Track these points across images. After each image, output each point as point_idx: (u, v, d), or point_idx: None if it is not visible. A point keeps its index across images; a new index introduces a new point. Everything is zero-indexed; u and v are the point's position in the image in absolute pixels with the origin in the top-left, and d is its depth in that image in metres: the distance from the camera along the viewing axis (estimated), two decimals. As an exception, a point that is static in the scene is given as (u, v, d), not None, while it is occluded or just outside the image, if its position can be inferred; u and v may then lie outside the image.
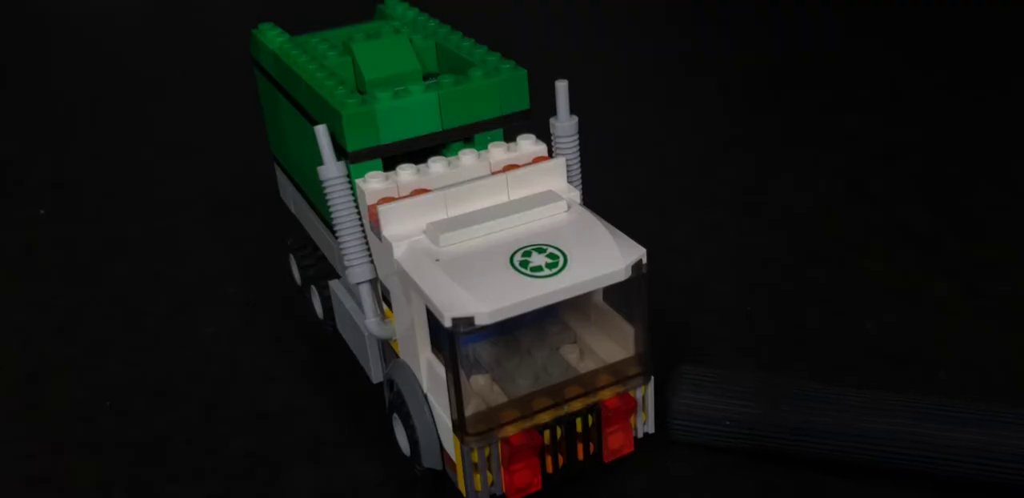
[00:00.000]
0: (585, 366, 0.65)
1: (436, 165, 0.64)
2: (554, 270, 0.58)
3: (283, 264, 0.92)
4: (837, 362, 0.80)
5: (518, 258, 0.59)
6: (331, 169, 0.64)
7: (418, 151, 0.67)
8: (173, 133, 1.32)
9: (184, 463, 0.72)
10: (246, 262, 0.98)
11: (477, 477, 0.62)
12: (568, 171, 0.67)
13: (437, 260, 0.60)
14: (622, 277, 0.59)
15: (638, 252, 0.60)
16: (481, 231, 0.61)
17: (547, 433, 0.62)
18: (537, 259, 0.59)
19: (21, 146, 1.31)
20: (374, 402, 0.76)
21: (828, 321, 0.85)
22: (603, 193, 1.10)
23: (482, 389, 0.63)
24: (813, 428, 0.66)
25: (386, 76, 0.72)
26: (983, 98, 1.32)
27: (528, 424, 0.61)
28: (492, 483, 0.62)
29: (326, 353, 0.84)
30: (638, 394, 0.65)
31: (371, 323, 0.68)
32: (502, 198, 0.64)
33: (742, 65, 1.50)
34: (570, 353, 0.66)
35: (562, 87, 0.66)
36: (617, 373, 0.64)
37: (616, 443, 0.65)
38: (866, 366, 0.79)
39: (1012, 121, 1.24)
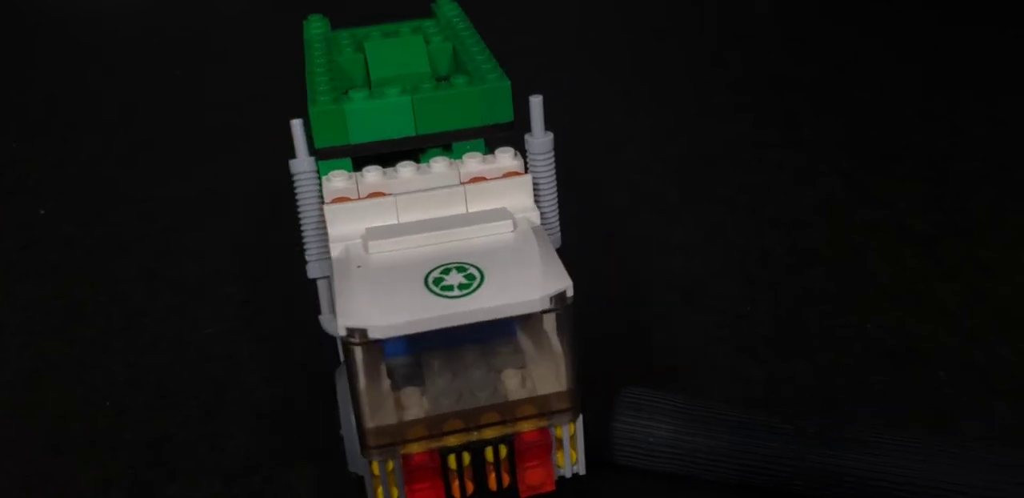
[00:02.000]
0: (517, 394, 0.61)
1: (404, 170, 0.63)
2: (464, 292, 0.56)
3: (283, 264, 0.92)
4: (837, 362, 0.80)
5: (435, 275, 0.57)
6: (301, 164, 0.65)
7: (395, 154, 0.66)
8: (173, 133, 1.32)
9: (184, 463, 0.72)
10: (246, 262, 0.98)
11: (379, 489, 0.61)
12: (540, 190, 0.65)
13: (359, 266, 0.59)
14: (537, 308, 0.56)
15: (562, 284, 0.57)
16: (413, 242, 0.60)
17: (452, 457, 0.60)
18: (452, 278, 0.57)
19: (21, 146, 1.31)
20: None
21: (828, 321, 0.85)
22: (603, 193, 1.10)
23: (410, 402, 0.61)
24: (755, 454, 0.65)
25: (393, 76, 0.72)
26: (984, 98, 1.32)
27: (434, 445, 0.59)
28: None
29: (326, 353, 0.84)
30: (564, 431, 0.61)
31: (323, 319, 0.68)
32: (458, 210, 0.62)
33: (744, 65, 1.50)
34: (510, 378, 0.62)
35: (536, 103, 0.63)
36: (543, 406, 0.60)
37: (535, 479, 0.62)
38: (866, 366, 0.79)
39: (1013, 121, 1.24)
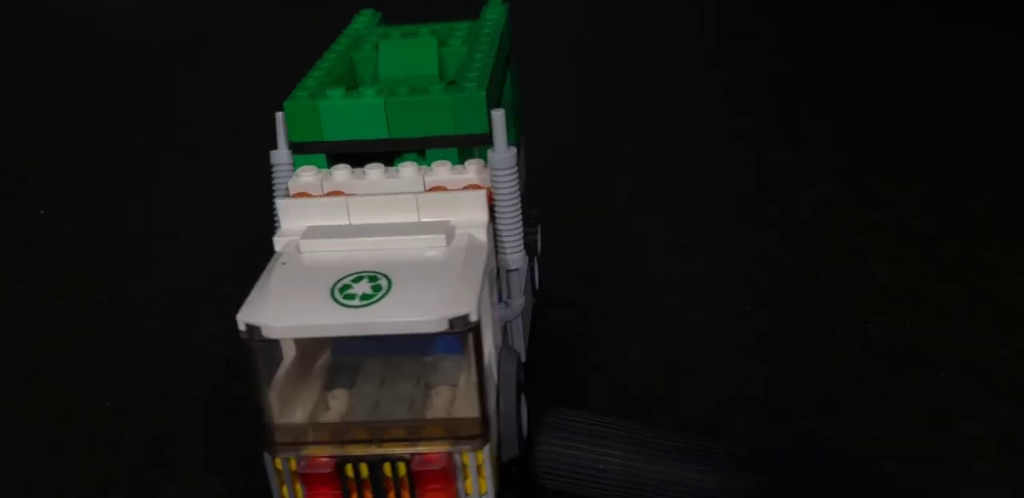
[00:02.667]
0: (434, 412, 0.60)
1: (372, 172, 0.63)
2: (364, 302, 0.55)
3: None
4: (837, 362, 0.80)
5: (345, 281, 0.57)
6: (279, 156, 0.66)
7: (375, 155, 0.66)
8: (173, 132, 1.32)
9: (184, 463, 0.72)
10: (246, 262, 0.98)
11: (283, 487, 0.59)
12: (500, 206, 0.63)
13: (283, 263, 0.59)
14: (432, 329, 0.54)
15: (465, 308, 0.55)
16: (343, 245, 0.60)
17: (350, 466, 0.58)
18: (360, 287, 0.56)
19: (21, 146, 1.31)
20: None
21: (828, 321, 0.85)
22: (603, 193, 1.10)
23: (334, 404, 0.61)
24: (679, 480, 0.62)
25: (401, 76, 0.72)
26: (984, 98, 1.32)
27: (337, 451, 0.58)
28: None
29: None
30: (471, 458, 0.58)
31: None
32: (409, 218, 0.62)
33: (744, 65, 1.50)
34: (439, 395, 0.61)
35: (498, 117, 0.62)
36: (450, 430, 0.58)
37: None
38: (866, 366, 0.79)
39: (1013, 121, 1.24)
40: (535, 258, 0.84)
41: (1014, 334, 0.82)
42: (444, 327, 0.54)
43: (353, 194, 0.63)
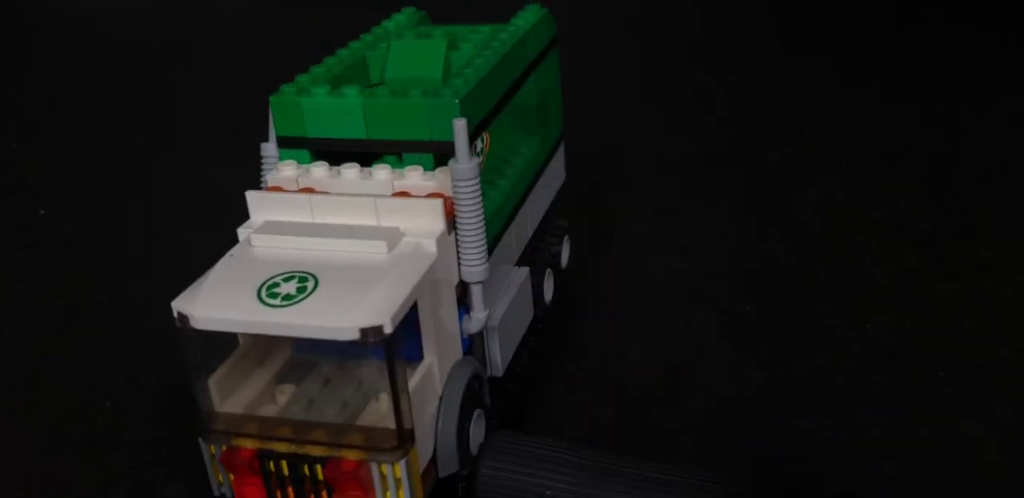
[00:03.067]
0: (364, 419, 0.59)
1: (348, 172, 0.63)
2: (284, 303, 0.55)
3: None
4: (837, 362, 0.80)
5: (275, 280, 0.57)
6: (268, 148, 0.67)
7: (356, 154, 0.66)
8: (173, 132, 1.32)
9: (184, 463, 0.72)
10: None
11: (217, 473, 0.61)
12: (461, 217, 0.61)
13: (231, 255, 0.60)
14: (341, 336, 0.54)
15: (381, 319, 0.53)
16: (290, 243, 0.60)
17: (271, 463, 0.58)
18: (286, 287, 0.56)
19: (22, 146, 1.31)
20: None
21: (828, 321, 0.85)
22: (604, 193, 1.10)
23: (279, 399, 0.61)
24: None
25: (405, 77, 0.72)
26: (984, 98, 1.32)
27: (261, 445, 0.58)
28: (222, 484, 0.61)
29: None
30: (389, 470, 0.57)
31: None
32: (368, 221, 0.61)
33: (743, 65, 1.50)
34: (378, 402, 0.60)
35: (460, 126, 0.59)
36: (369, 439, 0.57)
37: None
38: (866, 366, 0.79)
39: (1013, 121, 1.24)
40: (548, 271, 0.83)
41: (1014, 334, 0.82)
42: (355, 336, 0.53)
43: (326, 192, 0.63)
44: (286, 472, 0.58)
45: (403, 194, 0.62)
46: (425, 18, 0.84)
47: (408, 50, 0.74)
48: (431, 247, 0.60)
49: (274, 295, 0.56)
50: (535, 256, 0.81)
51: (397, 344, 0.55)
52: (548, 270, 0.82)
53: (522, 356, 0.77)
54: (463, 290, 0.65)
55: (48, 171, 1.22)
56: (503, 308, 0.70)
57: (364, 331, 0.53)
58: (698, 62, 1.51)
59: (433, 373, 0.61)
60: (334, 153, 0.66)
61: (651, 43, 1.61)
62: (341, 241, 0.59)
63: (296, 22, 1.83)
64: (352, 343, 0.54)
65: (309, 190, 0.63)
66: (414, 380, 0.59)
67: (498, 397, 0.72)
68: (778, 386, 0.77)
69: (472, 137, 0.65)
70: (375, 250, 0.59)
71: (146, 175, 1.19)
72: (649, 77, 1.45)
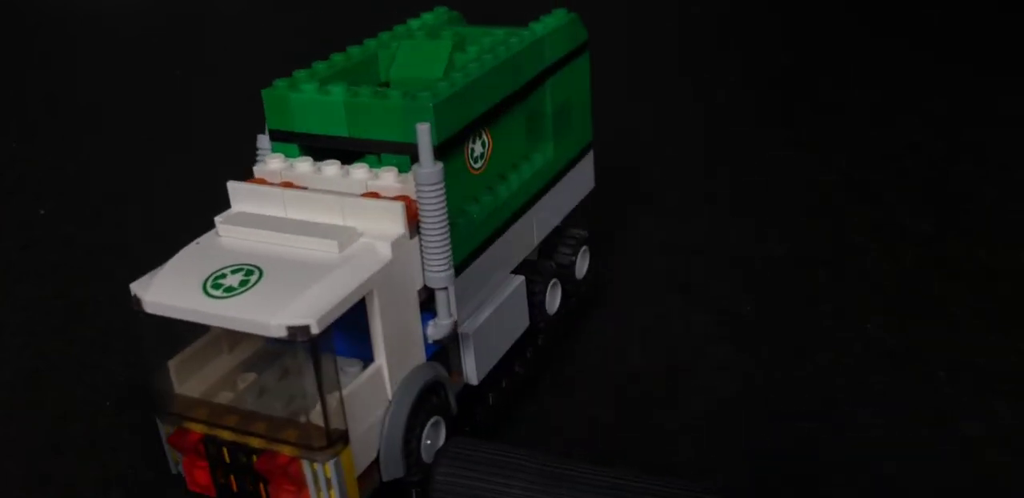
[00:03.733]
0: (305, 416, 0.58)
1: (328, 169, 0.64)
2: (224, 294, 0.56)
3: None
4: (837, 362, 0.80)
5: (223, 271, 0.58)
6: (264, 140, 0.69)
7: (343, 152, 0.67)
8: (173, 132, 1.32)
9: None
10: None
11: (172, 451, 0.62)
12: (424, 221, 0.61)
13: (197, 243, 0.61)
14: (269, 332, 0.54)
15: (308, 319, 0.54)
16: (251, 235, 0.61)
17: (214, 448, 0.59)
18: (231, 279, 0.57)
19: (21, 146, 1.31)
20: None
21: (828, 321, 0.85)
22: (605, 192, 1.10)
23: (241, 386, 0.62)
24: None
25: (409, 77, 0.73)
26: (984, 98, 1.32)
27: (210, 431, 0.59)
28: (178, 463, 0.63)
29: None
30: (319, 469, 0.58)
31: None
32: (331, 219, 0.61)
33: (744, 65, 1.50)
34: (328, 398, 0.59)
35: (423, 131, 0.59)
36: (302, 436, 0.57)
37: None
38: (866, 366, 0.79)
39: (1013, 121, 1.24)
40: (554, 281, 0.80)
41: (1014, 334, 0.82)
42: (283, 334, 0.54)
43: (304, 187, 0.63)
44: (228, 460, 0.59)
45: (372, 195, 0.62)
46: (457, 18, 0.83)
47: (414, 50, 0.74)
48: (385, 250, 0.59)
49: (218, 286, 0.57)
50: (540, 265, 0.79)
51: (326, 345, 0.55)
52: (554, 280, 0.80)
53: (512, 366, 0.75)
54: (428, 295, 0.64)
55: (48, 171, 1.22)
56: (483, 316, 0.69)
57: (292, 329, 0.53)
58: (698, 62, 1.51)
59: (382, 376, 0.61)
60: (325, 149, 0.67)
61: (650, 42, 1.61)
62: (297, 238, 0.60)
63: (297, 22, 1.83)
64: (280, 341, 0.54)
65: (288, 184, 0.64)
66: (357, 381, 0.59)
67: (477, 406, 0.71)
68: (778, 386, 0.77)
69: (454, 141, 0.65)
70: (325, 249, 0.59)
71: (146, 175, 1.19)
72: (648, 77, 1.45)
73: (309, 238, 0.59)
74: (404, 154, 0.65)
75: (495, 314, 0.71)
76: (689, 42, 1.61)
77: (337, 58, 0.73)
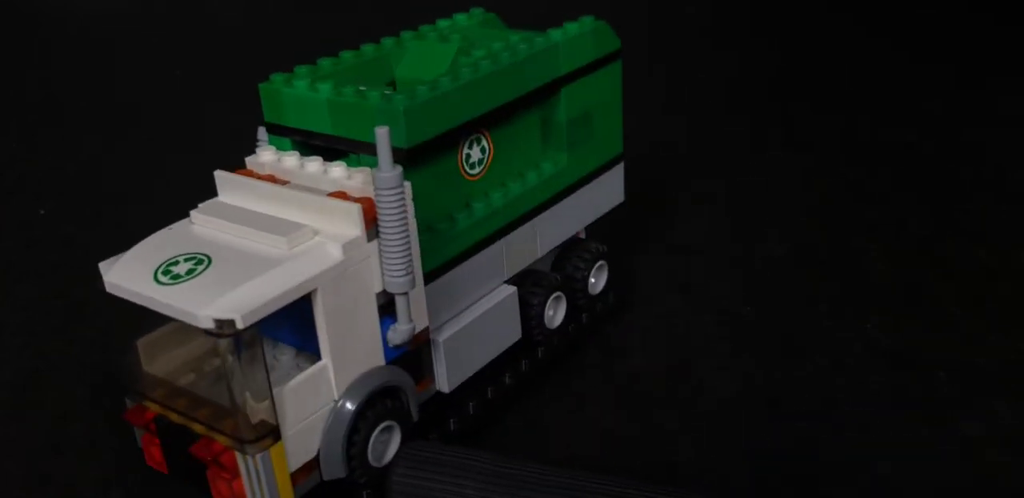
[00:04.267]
0: (246, 407, 0.59)
1: (310, 165, 0.64)
2: (170, 282, 0.57)
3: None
4: (837, 362, 0.80)
5: (177, 259, 0.59)
6: (262, 131, 0.70)
7: (332, 149, 0.67)
8: (174, 132, 1.32)
9: (184, 463, 0.72)
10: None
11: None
12: (382, 225, 0.60)
13: (170, 229, 0.63)
14: (197, 323, 0.55)
15: (236, 314, 0.54)
16: (217, 225, 0.61)
17: (163, 428, 0.62)
18: (181, 267, 0.58)
19: (22, 146, 1.31)
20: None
21: (828, 321, 0.85)
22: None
23: (203, 371, 0.64)
24: None
25: (412, 78, 0.73)
26: (984, 99, 1.32)
27: (162, 411, 0.62)
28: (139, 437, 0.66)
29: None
30: (246, 461, 0.58)
31: None
32: (296, 216, 0.62)
33: (743, 64, 1.50)
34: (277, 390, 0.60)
35: (382, 134, 0.58)
36: (235, 428, 0.58)
37: (219, 491, 0.61)
38: (866, 366, 0.79)
39: (1012, 122, 1.24)
40: (558, 294, 0.78)
41: (1014, 334, 0.82)
42: (210, 325, 0.54)
43: (286, 181, 0.64)
44: (173, 441, 0.61)
45: (341, 194, 0.61)
46: (493, 20, 0.82)
47: (421, 51, 0.74)
48: (335, 251, 0.59)
49: (167, 272, 0.58)
50: (543, 276, 0.77)
51: (253, 340, 0.55)
52: (557, 293, 0.78)
53: (501, 377, 0.74)
54: (391, 298, 0.63)
55: (48, 171, 1.22)
56: (461, 324, 0.69)
57: (219, 322, 0.54)
58: (697, 62, 1.51)
59: (326, 375, 0.61)
60: (309, 144, 0.68)
61: (650, 42, 1.61)
62: (254, 231, 0.60)
63: (297, 22, 1.83)
64: (208, 332, 0.54)
65: (271, 177, 0.64)
66: (297, 379, 0.59)
67: (453, 414, 0.71)
68: (778, 386, 0.77)
69: (438, 145, 0.65)
70: (275, 245, 0.59)
71: (146, 175, 1.19)
72: (648, 77, 1.45)
73: (263, 233, 0.59)
74: (368, 154, 0.65)
75: (475, 323, 0.70)
76: (688, 41, 1.61)
77: (347, 55, 0.73)
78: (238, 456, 0.58)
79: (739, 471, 0.69)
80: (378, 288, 0.62)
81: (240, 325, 0.54)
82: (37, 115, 1.42)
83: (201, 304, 0.55)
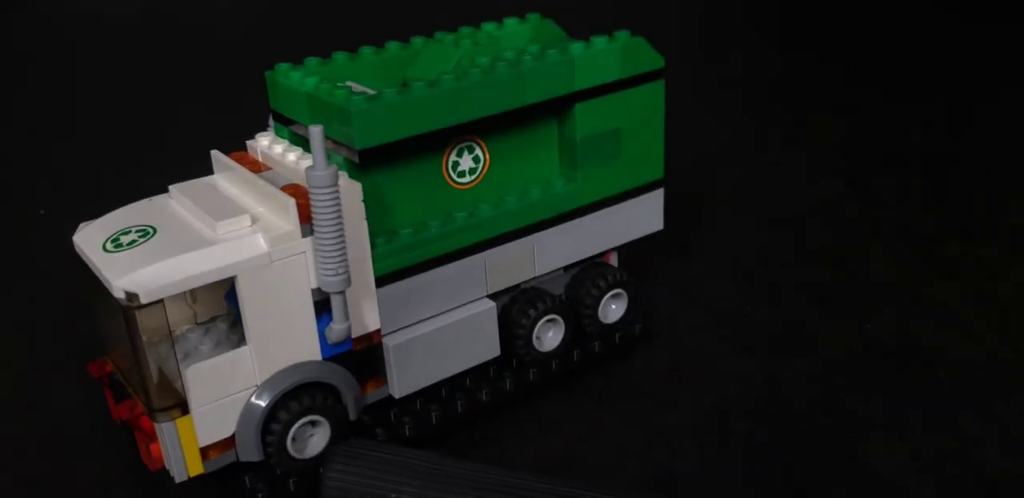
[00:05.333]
0: (174, 376, 0.62)
1: (290, 154, 0.66)
2: (112, 250, 0.61)
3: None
4: (837, 362, 0.80)
5: (131, 228, 0.63)
6: (271, 118, 0.71)
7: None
8: (174, 132, 1.32)
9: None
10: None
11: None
12: (316, 224, 0.60)
13: (149, 200, 0.66)
14: (114, 293, 0.58)
15: (143, 288, 0.57)
16: (183, 202, 0.64)
17: (111, 384, 0.67)
18: (128, 237, 0.62)
19: (21, 146, 1.31)
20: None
21: (828, 321, 0.85)
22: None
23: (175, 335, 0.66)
24: None
25: (419, 77, 0.73)
26: (984, 98, 1.32)
27: (114, 369, 0.67)
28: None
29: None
30: (159, 428, 0.61)
31: None
32: (252, 203, 0.63)
33: (744, 64, 1.50)
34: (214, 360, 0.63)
35: (316, 133, 0.58)
36: (148, 396, 0.61)
37: (152, 452, 0.63)
38: (866, 366, 0.79)
39: (1012, 122, 1.25)
40: (556, 318, 0.75)
41: (1014, 334, 0.82)
42: (121, 296, 0.57)
43: (269, 168, 0.66)
44: (115, 397, 0.66)
45: (294, 187, 0.62)
46: (550, 25, 0.78)
47: (432, 53, 0.74)
48: (261, 242, 0.60)
49: (115, 241, 0.62)
50: (540, 296, 0.74)
51: (155, 315, 0.58)
52: (552, 316, 0.74)
53: (475, 393, 0.73)
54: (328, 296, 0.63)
55: (48, 171, 1.22)
56: (417, 332, 0.68)
57: (128, 295, 0.57)
58: (697, 62, 1.51)
59: (244, 361, 0.62)
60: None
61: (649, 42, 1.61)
62: (201, 213, 0.62)
63: (298, 22, 1.83)
64: (119, 303, 0.57)
65: (259, 162, 0.66)
66: (210, 361, 0.61)
67: (412, 419, 0.70)
68: (778, 386, 0.77)
69: (393, 150, 0.64)
70: (210, 228, 0.61)
71: (147, 175, 1.19)
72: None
73: (207, 216, 0.61)
74: (339, 153, 0.65)
75: (437, 333, 0.69)
76: (688, 41, 1.61)
77: (366, 52, 0.73)
78: (160, 425, 0.61)
79: (739, 471, 0.69)
80: (314, 284, 0.62)
81: (143, 300, 0.57)
82: (37, 115, 1.42)
83: (119, 275, 0.58)
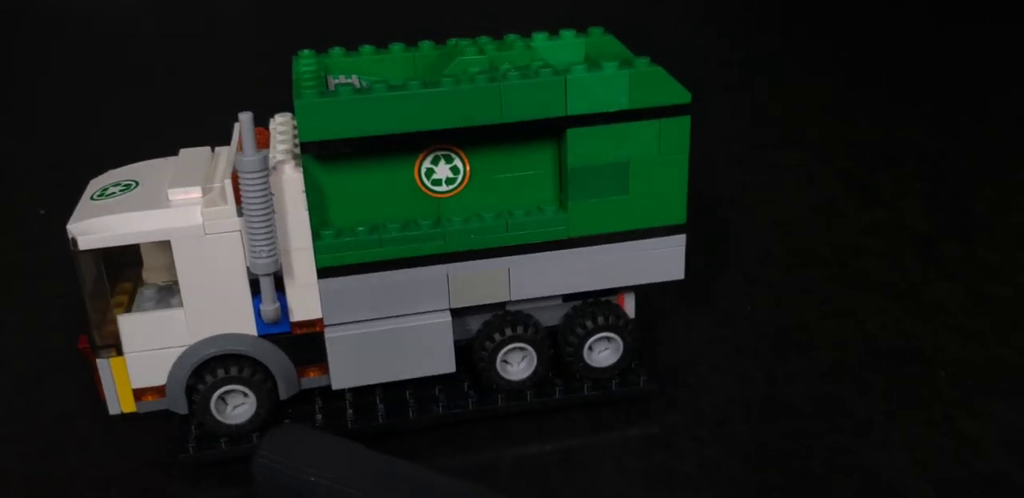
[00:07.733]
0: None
1: (280, 135, 0.70)
2: (96, 197, 0.68)
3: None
4: (837, 362, 0.80)
5: (124, 182, 0.70)
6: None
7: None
8: (174, 132, 1.32)
9: (184, 463, 0.72)
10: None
11: None
12: (245, 208, 0.63)
13: (165, 159, 0.73)
14: (70, 234, 0.65)
15: (84, 236, 0.64)
16: (179, 166, 0.70)
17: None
18: (115, 189, 0.69)
19: (21, 146, 1.31)
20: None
21: (828, 321, 0.85)
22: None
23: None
24: None
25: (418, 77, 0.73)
26: (983, 98, 1.32)
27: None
28: None
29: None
30: (99, 363, 0.69)
31: None
32: (222, 176, 0.67)
33: (743, 64, 1.50)
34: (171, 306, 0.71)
35: (246, 119, 0.61)
36: (94, 334, 0.69)
37: (99, 386, 0.71)
38: (866, 366, 0.79)
39: (1012, 122, 1.25)
40: (529, 350, 0.72)
41: (1014, 334, 0.82)
42: (71, 237, 0.65)
43: (266, 147, 0.69)
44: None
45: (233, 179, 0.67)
46: (608, 41, 0.74)
47: (439, 58, 0.74)
48: (197, 214, 0.65)
49: (104, 190, 0.69)
50: (514, 323, 0.71)
51: (96, 261, 0.67)
52: (520, 345, 0.72)
53: (434, 403, 0.72)
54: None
55: (48, 171, 1.22)
56: (360, 330, 0.69)
57: (72, 238, 0.65)
58: (696, 62, 1.51)
59: (178, 320, 0.68)
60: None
61: (649, 42, 1.60)
62: (176, 178, 0.67)
63: (297, 22, 1.83)
64: (70, 244, 0.64)
65: (265, 139, 0.70)
66: (142, 314, 0.68)
67: (357, 414, 0.71)
68: (778, 386, 0.77)
69: (346, 146, 0.64)
70: (169, 194, 0.66)
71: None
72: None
73: (177, 181, 0.67)
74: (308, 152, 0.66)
75: (381, 334, 0.69)
76: (688, 41, 1.61)
77: (396, 48, 0.73)
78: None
79: (739, 471, 0.69)
80: (245, 263, 0.66)
81: (81, 246, 0.64)
82: (37, 115, 1.42)
83: (77, 219, 0.65)
